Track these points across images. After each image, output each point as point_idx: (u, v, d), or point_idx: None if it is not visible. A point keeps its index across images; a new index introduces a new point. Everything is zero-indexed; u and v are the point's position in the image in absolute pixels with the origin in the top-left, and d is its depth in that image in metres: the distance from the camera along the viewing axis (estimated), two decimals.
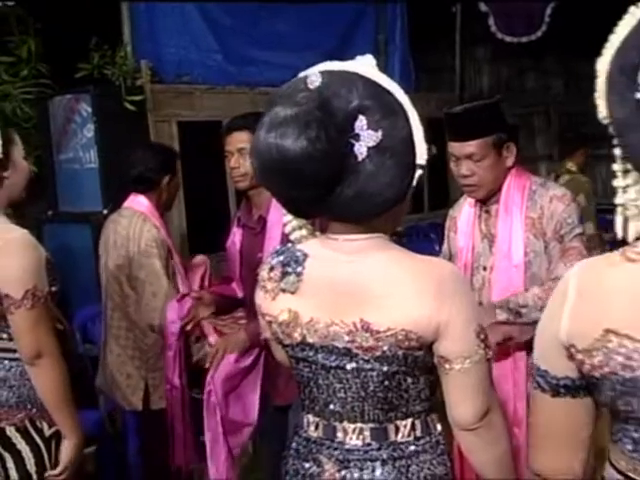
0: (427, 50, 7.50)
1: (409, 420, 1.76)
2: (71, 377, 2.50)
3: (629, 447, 1.37)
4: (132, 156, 3.70)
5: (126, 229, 3.57)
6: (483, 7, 7.01)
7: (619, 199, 1.34)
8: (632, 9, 1.29)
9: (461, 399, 1.69)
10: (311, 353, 1.75)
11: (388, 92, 1.63)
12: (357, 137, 1.57)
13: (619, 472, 1.40)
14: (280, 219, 2.97)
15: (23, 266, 2.37)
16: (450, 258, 2.99)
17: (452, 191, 6.83)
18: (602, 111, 1.32)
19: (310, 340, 1.73)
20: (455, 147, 2.81)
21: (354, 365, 1.70)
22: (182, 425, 3.44)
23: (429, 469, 1.75)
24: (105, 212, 4.33)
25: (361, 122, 1.57)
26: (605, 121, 1.33)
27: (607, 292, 1.32)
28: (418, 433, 1.77)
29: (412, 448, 1.75)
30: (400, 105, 1.63)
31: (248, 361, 3.14)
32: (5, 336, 2.45)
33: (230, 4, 5.84)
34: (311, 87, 1.60)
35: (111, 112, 4.86)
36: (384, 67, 7.15)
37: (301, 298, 1.73)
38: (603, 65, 1.30)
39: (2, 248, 2.36)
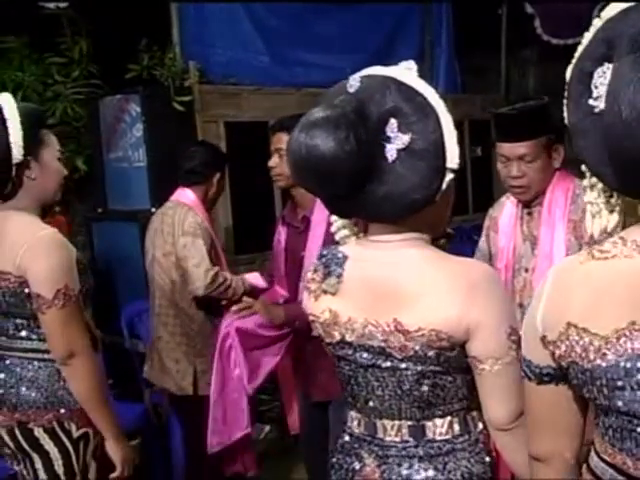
0: (472, 52, 7.46)
1: (447, 418, 1.79)
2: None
3: (602, 430, 1.42)
4: (187, 150, 3.91)
5: (172, 217, 3.75)
6: (529, 9, 6.98)
7: (586, 197, 1.44)
8: (595, 20, 1.36)
9: (494, 400, 1.72)
10: (350, 352, 1.80)
11: (421, 96, 1.66)
12: (388, 139, 1.62)
13: (597, 454, 1.46)
14: (323, 219, 3.04)
15: (53, 265, 2.39)
16: (490, 257, 3.00)
17: (496, 192, 6.81)
18: (565, 117, 1.39)
19: (348, 339, 1.78)
20: (506, 148, 2.80)
21: (389, 364, 1.74)
22: None
23: (466, 467, 1.78)
24: (153, 210, 4.40)
25: (392, 125, 1.61)
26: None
27: (572, 287, 1.38)
28: (456, 431, 1.80)
29: (450, 446, 1.79)
30: (432, 109, 1.66)
31: (272, 333, 3.20)
32: (35, 337, 2.49)
33: (277, 6, 5.87)
34: (350, 91, 1.67)
35: (160, 112, 4.93)
36: (430, 68, 7.15)
37: (341, 299, 1.79)
38: (568, 73, 1.38)
39: (32, 247, 2.38)
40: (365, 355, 1.77)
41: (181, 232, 3.67)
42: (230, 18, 5.71)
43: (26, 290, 2.41)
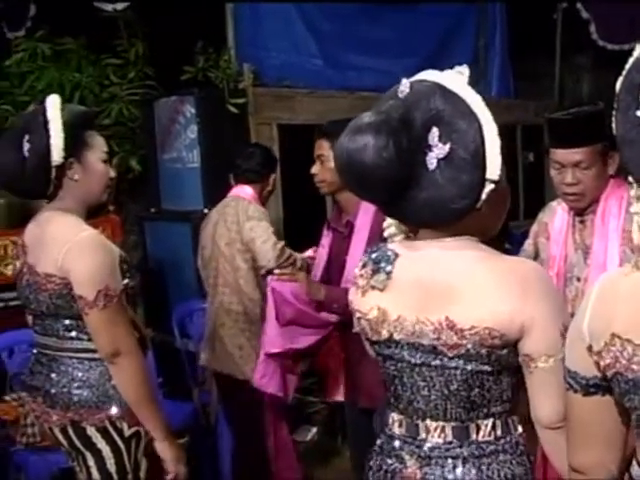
0: (526, 57, 7.40)
1: (490, 420, 1.79)
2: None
3: None
4: (244, 151, 4.10)
5: (234, 208, 3.89)
6: (584, 14, 6.90)
7: (633, 208, 1.44)
8: None
9: (545, 397, 1.71)
10: (397, 350, 1.80)
11: (465, 104, 1.65)
12: (430, 148, 1.62)
13: (638, 464, 1.47)
14: (367, 223, 3.05)
15: (94, 266, 2.40)
16: (535, 260, 2.96)
17: (548, 199, 6.73)
18: (613, 128, 1.40)
19: (397, 337, 1.78)
20: (560, 154, 2.75)
21: (438, 363, 1.74)
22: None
23: (509, 468, 1.77)
24: (206, 211, 4.44)
25: (434, 134, 1.62)
26: None
27: (616, 299, 1.40)
28: (499, 433, 1.79)
29: (492, 447, 1.78)
30: (475, 117, 1.64)
31: (306, 308, 3.21)
32: (84, 337, 2.50)
33: (330, 9, 5.88)
34: (400, 96, 1.68)
35: (214, 114, 4.97)
36: (483, 72, 7.11)
37: (389, 296, 1.79)
38: (617, 84, 1.38)
39: (73, 249, 2.40)
40: (414, 354, 1.77)
41: (246, 218, 3.83)
42: (284, 21, 5.74)
43: (71, 291, 2.44)
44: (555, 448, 1.74)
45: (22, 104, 5.10)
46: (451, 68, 1.73)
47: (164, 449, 2.54)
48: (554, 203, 3.02)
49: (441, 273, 1.73)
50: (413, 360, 1.78)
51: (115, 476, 2.52)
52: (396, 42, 6.22)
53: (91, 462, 2.52)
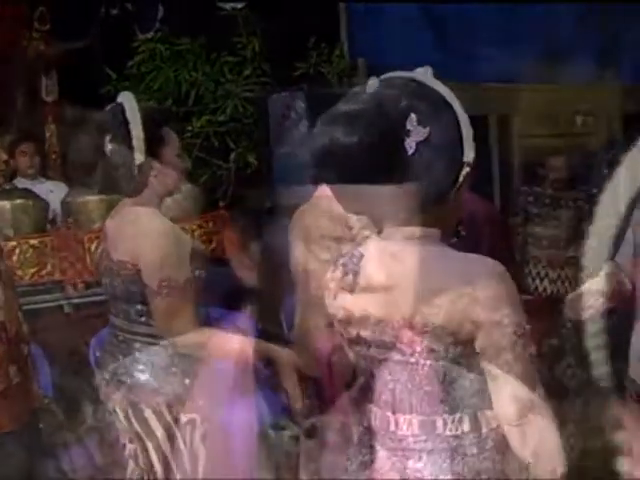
0: None
1: (457, 415, 1.78)
2: None
3: None
4: None
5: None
6: None
7: None
8: None
9: (501, 395, 1.71)
10: (364, 347, 1.83)
11: (438, 94, 1.70)
12: (408, 133, 1.65)
13: None
14: None
15: (160, 257, 2.47)
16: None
17: None
18: None
19: (363, 334, 1.81)
20: None
21: (400, 358, 1.76)
22: None
23: (473, 463, 1.77)
24: None
25: (412, 119, 1.64)
26: None
27: None
28: (465, 428, 1.78)
29: (458, 442, 1.78)
30: (450, 106, 1.69)
31: None
32: (154, 322, 2.57)
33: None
34: (369, 91, 1.71)
35: (325, 109, 4.96)
36: None
37: (356, 296, 1.82)
38: None
39: (143, 238, 2.49)
40: (377, 350, 1.80)
41: None
42: (401, 15, 5.65)
43: (142, 278, 2.51)
44: (516, 443, 1.73)
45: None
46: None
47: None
48: None
49: (399, 271, 1.75)
50: (378, 356, 1.81)
51: (172, 462, 2.56)
52: (527, 33, 5.95)
53: (149, 445, 2.57)
